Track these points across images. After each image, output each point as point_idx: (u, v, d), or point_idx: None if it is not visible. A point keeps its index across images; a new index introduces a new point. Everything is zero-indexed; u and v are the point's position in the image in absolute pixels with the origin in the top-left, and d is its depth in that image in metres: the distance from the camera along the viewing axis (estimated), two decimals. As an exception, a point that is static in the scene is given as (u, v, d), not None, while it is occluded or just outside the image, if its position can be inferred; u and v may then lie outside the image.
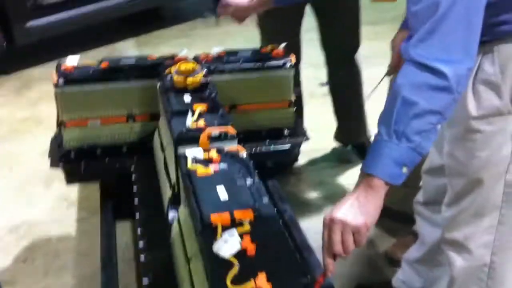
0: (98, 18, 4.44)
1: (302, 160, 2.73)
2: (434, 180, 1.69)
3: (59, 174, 2.22)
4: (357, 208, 1.13)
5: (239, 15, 2.60)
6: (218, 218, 1.30)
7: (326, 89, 3.23)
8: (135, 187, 2.06)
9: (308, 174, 2.90)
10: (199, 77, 1.96)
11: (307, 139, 2.28)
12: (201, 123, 1.73)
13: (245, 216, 1.31)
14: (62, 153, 2.17)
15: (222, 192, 1.41)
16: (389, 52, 1.95)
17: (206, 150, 1.60)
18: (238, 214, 1.31)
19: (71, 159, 2.16)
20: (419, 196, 1.83)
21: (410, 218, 1.98)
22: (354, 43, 2.73)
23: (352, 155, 2.98)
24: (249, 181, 1.46)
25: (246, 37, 4.42)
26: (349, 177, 2.84)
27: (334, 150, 3.04)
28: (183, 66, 1.99)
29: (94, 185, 2.35)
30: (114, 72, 2.15)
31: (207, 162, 1.55)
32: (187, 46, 4.31)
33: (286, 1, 1.94)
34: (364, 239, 1.12)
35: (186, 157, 1.57)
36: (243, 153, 1.60)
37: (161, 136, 2.06)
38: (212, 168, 1.51)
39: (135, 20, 4.79)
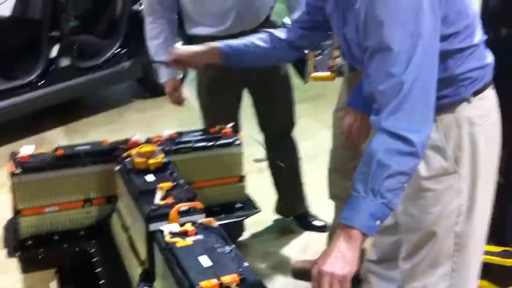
0: (24, 109, 4.46)
1: (246, 233, 2.85)
2: (387, 238, 1.85)
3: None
4: (341, 259, 1.27)
5: (176, 97, 2.77)
6: (207, 284, 1.40)
7: (261, 164, 3.43)
8: (99, 270, 2.09)
9: (253, 246, 3.01)
10: (160, 158, 2.07)
11: (259, 211, 2.42)
12: (170, 200, 1.83)
13: (232, 280, 1.42)
14: (19, 241, 2.17)
15: (204, 260, 1.51)
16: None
17: (180, 224, 1.70)
18: (225, 279, 1.41)
19: (28, 247, 2.17)
20: (372, 255, 1.99)
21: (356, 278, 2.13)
22: (289, 122, 2.94)
23: (294, 226, 3.12)
24: (227, 248, 1.57)
25: (175, 120, 4.58)
26: (293, 247, 2.98)
27: (276, 222, 3.18)
28: (144, 149, 2.10)
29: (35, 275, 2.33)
30: (70, 159, 2.22)
31: (183, 234, 1.65)
32: (117, 132, 4.44)
33: (234, 62, 2.05)
34: (349, 286, 1.26)
35: (162, 232, 1.66)
36: (216, 224, 1.71)
37: (122, 217, 2.13)
38: (190, 240, 1.61)
39: (62, 108, 4.83)
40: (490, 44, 2.14)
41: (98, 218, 2.25)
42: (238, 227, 2.38)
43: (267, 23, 2.69)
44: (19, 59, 4.66)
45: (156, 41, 2.71)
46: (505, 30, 2.21)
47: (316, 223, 3.09)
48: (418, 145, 1.30)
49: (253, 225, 3.00)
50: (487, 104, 1.60)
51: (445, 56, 1.47)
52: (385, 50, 1.33)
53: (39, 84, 4.51)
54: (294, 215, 3.13)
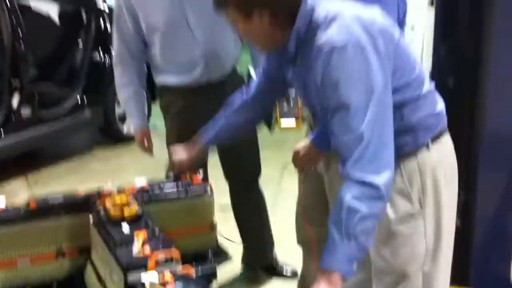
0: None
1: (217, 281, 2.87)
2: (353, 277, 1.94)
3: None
4: None
5: (146, 146, 2.86)
6: (191, 332, 1.44)
7: (228, 213, 3.47)
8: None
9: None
10: (135, 208, 2.12)
11: (229, 258, 2.47)
12: (147, 249, 1.87)
13: (214, 328, 1.47)
14: (-11, 296, 2.16)
15: (187, 309, 1.56)
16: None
17: (159, 273, 1.75)
18: (208, 327, 1.46)
19: (0, 302, 2.16)
20: None
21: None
22: (255, 171, 3.00)
23: (261, 275, 3.14)
24: (207, 297, 1.63)
25: (137, 169, 4.61)
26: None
27: (245, 270, 3.19)
28: (118, 199, 2.14)
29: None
30: (44, 210, 2.23)
31: (163, 284, 1.69)
32: (80, 182, 4.43)
33: (212, 139, 2.19)
34: None
35: (142, 283, 1.70)
36: (193, 273, 1.77)
37: (96, 269, 2.15)
38: (170, 289, 1.66)
39: (23, 159, 4.79)
40: (440, 93, 2.34)
41: (71, 270, 2.26)
42: (210, 276, 2.42)
43: (234, 73, 2.81)
44: (-23, 109, 4.64)
45: (125, 89, 2.79)
46: (452, 80, 2.39)
47: (285, 272, 3.11)
48: (383, 188, 1.44)
49: (223, 273, 3.05)
50: (445, 149, 1.74)
51: (400, 106, 1.61)
52: (343, 108, 1.47)
53: (0, 134, 4.48)
54: (260, 265, 3.15)
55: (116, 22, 2.71)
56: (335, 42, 1.48)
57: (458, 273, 2.31)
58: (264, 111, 2.12)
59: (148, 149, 2.90)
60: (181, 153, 2.27)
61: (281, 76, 1.83)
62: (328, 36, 1.50)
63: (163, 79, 2.79)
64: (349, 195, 1.43)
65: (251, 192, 3.03)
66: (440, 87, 2.37)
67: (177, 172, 2.34)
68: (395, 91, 1.56)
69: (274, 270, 3.13)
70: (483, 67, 2.28)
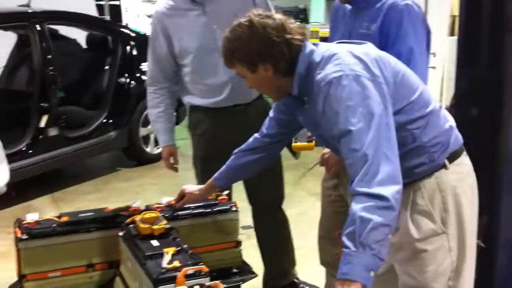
0: (13, 177, 4.49)
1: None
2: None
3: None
4: None
5: (170, 163, 2.92)
6: None
7: (249, 231, 3.52)
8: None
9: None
10: (163, 224, 2.18)
11: (255, 275, 2.51)
12: (176, 263, 1.93)
13: None
14: (22, 307, 2.23)
15: (216, 321, 1.61)
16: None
17: (188, 287, 1.80)
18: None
19: (32, 312, 2.22)
20: None
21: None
22: (279, 195, 3.05)
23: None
24: (236, 309, 1.68)
25: (159, 189, 4.70)
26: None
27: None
28: (148, 215, 2.21)
29: None
30: (75, 225, 2.31)
31: (193, 297, 1.75)
32: (103, 200, 4.52)
33: (225, 182, 2.27)
34: None
35: (173, 294, 1.76)
36: (222, 287, 1.82)
37: (125, 281, 2.21)
38: (199, 301, 1.71)
39: (49, 177, 4.90)
40: (463, 120, 2.38)
41: (100, 283, 2.33)
42: (236, 293, 2.48)
43: (259, 98, 2.88)
44: (7, 129, 4.76)
45: (156, 109, 2.89)
46: (475, 110, 2.44)
47: None
48: (391, 199, 1.49)
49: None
50: (463, 169, 1.80)
51: (409, 127, 1.70)
52: (346, 133, 1.57)
53: (28, 153, 4.60)
54: (282, 286, 3.15)
55: (151, 43, 2.83)
56: (331, 75, 1.60)
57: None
58: (276, 153, 2.23)
59: (173, 167, 2.97)
60: (192, 186, 2.36)
61: (292, 121, 1.97)
62: (325, 72, 1.62)
63: (191, 99, 2.89)
64: (360, 207, 1.49)
65: (274, 217, 3.07)
66: (464, 115, 2.45)
67: (180, 202, 2.37)
68: (399, 112, 1.66)
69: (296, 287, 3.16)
70: (506, 95, 2.34)
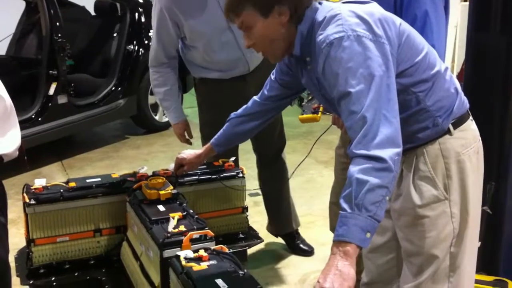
0: (23, 145, 4.52)
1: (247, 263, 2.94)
2: (376, 259, 1.97)
3: None
4: (339, 276, 1.40)
5: (184, 138, 2.95)
6: (225, 304, 1.51)
7: (256, 198, 3.55)
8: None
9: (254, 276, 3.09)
10: (170, 189, 2.19)
11: (261, 241, 2.53)
12: (182, 228, 1.94)
13: (249, 301, 1.53)
14: (31, 270, 2.26)
15: (221, 283, 1.62)
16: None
17: (193, 251, 1.81)
18: (242, 299, 1.53)
19: (40, 276, 2.25)
20: (364, 278, 2.10)
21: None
22: (281, 144, 3.13)
23: (293, 258, 3.21)
24: (240, 272, 1.69)
25: (168, 156, 4.71)
26: (293, 278, 3.03)
27: (275, 252, 3.26)
28: (154, 181, 2.22)
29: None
30: (82, 190, 2.32)
31: (198, 260, 1.76)
32: (113, 167, 4.55)
33: (224, 147, 2.26)
34: None
35: (178, 257, 1.77)
36: (227, 251, 1.83)
37: (132, 246, 2.23)
38: (205, 264, 1.72)
39: (58, 144, 4.93)
40: (475, 83, 2.35)
41: (107, 248, 2.35)
42: (241, 257, 2.48)
43: (266, 62, 2.86)
44: (16, 96, 4.76)
45: (162, 88, 2.89)
46: (479, 70, 2.40)
47: (303, 246, 3.24)
48: (389, 160, 1.46)
49: (254, 255, 3.12)
50: (468, 134, 1.76)
51: (413, 89, 1.65)
52: (345, 95, 1.53)
53: (37, 120, 4.62)
54: (282, 233, 3.25)
55: (157, 29, 2.78)
56: (332, 36, 1.55)
57: (487, 260, 2.34)
58: (274, 115, 2.18)
59: (188, 140, 3.00)
60: (188, 152, 2.34)
61: (295, 83, 1.93)
62: (326, 33, 1.57)
63: (202, 74, 2.88)
64: (356, 169, 1.46)
65: (276, 162, 3.14)
66: (474, 77, 2.42)
67: (179, 169, 2.36)
68: (403, 74, 1.62)
69: (293, 242, 3.25)
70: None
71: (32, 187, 2.31)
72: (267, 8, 1.63)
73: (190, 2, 2.69)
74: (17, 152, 1.71)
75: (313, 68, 1.71)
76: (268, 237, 3.19)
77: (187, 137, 2.98)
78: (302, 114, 2.41)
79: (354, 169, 1.47)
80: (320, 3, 1.68)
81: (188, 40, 2.79)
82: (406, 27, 1.68)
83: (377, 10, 1.65)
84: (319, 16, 1.64)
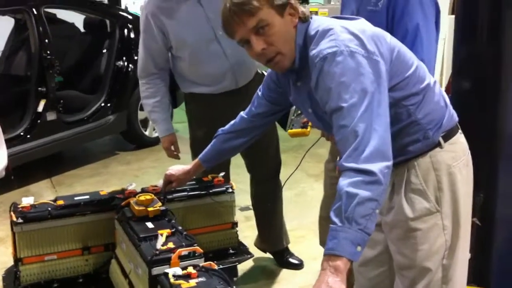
0: (12, 162, 4.49)
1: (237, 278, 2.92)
2: (368, 272, 1.96)
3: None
4: None
5: (172, 152, 2.93)
6: (214, 323, 1.49)
7: (247, 213, 3.53)
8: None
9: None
10: (158, 206, 2.18)
11: (251, 256, 2.52)
12: (171, 245, 1.93)
13: (237, 318, 1.51)
14: (19, 289, 2.23)
15: (210, 301, 1.61)
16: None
17: (182, 268, 1.80)
18: (230, 318, 1.51)
19: (28, 295, 2.23)
20: None
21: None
22: (276, 165, 3.10)
23: (283, 272, 3.19)
24: (230, 289, 1.68)
25: (158, 172, 4.68)
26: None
27: (265, 268, 3.24)
28: (143, 198, 2.20)
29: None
30: (70, 208, 2.30)
31: (187, 277, 1.74)
32: (102, 184, 4.52)
33: (212, 163, 2.26)
34: None
35: (167, 275, 1.75)
36: (216, 267, 1.82)
37: (121, 264, 2.21)
38: (193, 282, 1.71)
39: (47, 161, 4.89)
40: (461, 95, 2.36)
41: (96, 266, 2.33)
42: (231, 273, 2.48)
43: (257, 76, 2.87)
44: (5, 113, 4.75)
45: (152, 100, 2.87)
46: (467, 83, 2.42)
47: (292, 260, 3.22)
48: (378, 173, 1.46)
49: (244, 270, 3.10)
50: (458, 147, 1.78)
51: (404, 103, 1.67)
52: (337, 109, 1.54)
53: (26, 137, 4.59)
54: (271, 251, 3.24)
55: (144, 36, 2.78)
56: (325, 51, 1.56)
57: (477, 272, 2.33)
58: (262, 131, 2.17)
59: (175, 155, 2.98)
60: (177, 168, 2.32)
61: (283, 99, 1.93)
62: (320, 47, 1.58)
63: (190, 89, 2.88)
64: (346, 182, 1.46)
65: (270, 183, 3.12)
66: (461, 89, 2.43)
67: (168, 185, 2.33)
68: (394, 88, 1.63)
69: (282, 258, 3.23)
70: (503, 69, 2.31)
71: (19, 206, 2.29)
72: (282, 6, 1.63)
73: (174, 9, 2.69)
74: (4, 172, 1.70)
75: (303, 84, 1.71)
76: (257, 252, 3.18)
77: (174, 151, 2.95)
78: (291, 129, 2.41)
79: (344, 183, 1.47)
80: (311, 18, 1.68)
81: (174, 50, 2.78)
82: (396, 42, 1.69)
83: (367, 27, 1.67)
84: (311, 30, 1.65)
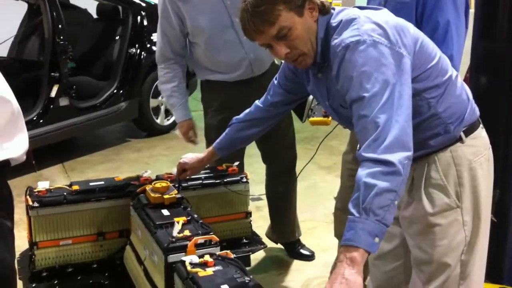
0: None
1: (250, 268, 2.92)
2: (383, 266, 1.96)
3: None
4: (346, 284, 1.38)
5: (189, 137, 2.93)
6: (231, 311, 1.50)
7: (259, 202, 3.54)
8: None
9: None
10: (174, 194, 2.18)
11: (265, 246, 2.52)
12: (187, 232, 1.93)
13: (254, 307, 1.52)
14: (34, 273, 2.24)
15: (227, 289, 1.61)
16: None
17: (199, 255, 1.80)
18: (247, 306, 1.52)
19: (43, 279, 2.24)
20: (369, 285, 2.08)
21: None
22: (292, 158, 3.09)
23: (296, 262, 3.20)
24: (246, 278, 1.68)
25: (170, 160, 4.71)
26: (296, 283, 3.02)
27: (278, 258, 3.25)
28: (159, 185, 2.21)
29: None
30: (86, 194, 2.31)
31: (203, 265, 1.75)
32: (114, 170, 4.53)
33: (227, 151, 2.26)
34: None
35: (183, 263, 1.76)
36: (232, 256, 1.82)
37: (136, 251, 2.22)
38: (210, 270, 1.71)
39: (60, 147, 4.91)
40: (478, 90, 2.34)
41: (110, 252, 2.34)
42: (244, 262, 2.48)
43: (273, 67, 2.86)
44: (18, 98, 4.73)
45: (170, 84, 2.86)
46: (490, 79, 2.40)
47: (303, 251, 3.22)
48: (398, 164, 1.45)
49: (256, 260, 3.11)
50: (479, 142, 1.76)
51: (425, 95, 1.66)
52: (358, 99, 1.52)
53: (39, 122, 4.61)
54: (283, 242, 3.24)
55: (161, 22, 2.78)
56: (348, 40, 1.55)
57: (492, 269, 2.32)
58: (277, 121, 2.17)
59: (193, 140, 2.97)
60: (190, 156, 2.32)
61: (300, 89, 1.92)
62: (342, 37, 1.57)
63: (206, 76, 2.88)
64: (364, 173, 1.45)
65: (285, 176, 3.11)
66: (478, 84, 2.42)
67: (182, 174, 2.33)
68: (416, 79, 1.62)
69: (294, 249, 3.24)
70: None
71: (35, 190, 2.30)
72: (300, 5, 1.61)
73: None
74: (25, 156, 1.70)
75: (324, 76, 1.70)
76: (269, 242, 3.18)
77: (192, 138, 2.94)
78: (312, 117, 2.40)
79: (362, 173, 1.46)
80: (333, 9, 1.68)
81: (190, 36, 2.78)
82: (419, 33, 1.68)
83: (391, 17, 1.65)
84: (334, 21, 1.64)
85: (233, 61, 2.77)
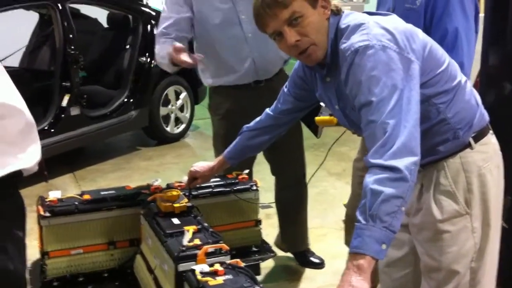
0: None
1: (260, 277, 2.92)
2: (393, 273, 1.96)
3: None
4: None
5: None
6: (241, 321, 1.49)
7: (268, 210, 3.53)
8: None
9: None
10: (184, 202, 2.19)
11: (274, 254, 2.52)
12: (197, 241, 1.94)
13: (264, 316, 1.52)
14: (45, 282, 2.25)
15: (237, 298, 1.61)
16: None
17: (208, 265, 1.81)
18: (257, 316, 1.51)
19: (54, 288, 2.25)
20: None
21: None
22: (300, 169, 3.08)
23: (306, 270, 3.20)
24: (256, 287, 1.68)
25: (180, 168, 4.72)
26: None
27: (288, 266, 3.25)
28: (169, 194, 2.22)
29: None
30: (97, 203, 2.33)
31: (213, 274, 1.75)
32: (124, 179, 4.55)
33: (237, 160, 2.26)
34: None
35: (193, 272, 1.76)
36: (242, 265, 1.82)
37: (146, 259, 2.23)
38: (221, 279, 1.71)
39: (70, 156, 4.94)
40: (494, 100, 2.33)
41: (121, 260, 2.35)
42: (254, 271, 2.47)
43: (281, 74, 2.87)
44: (29, 108, 4.76)
45: (164, 46, 2.67)
46: (509, 86, 2.38)
47: (313, 259, 3.22)
48: (404, 170, 1.44)
49: (266, 269, 3.11)
50: (489, 148, 1.76)
51: (434, 100, 1.66)
52: (367, 104, 1.53)
53: (50, 132, 4.64)
54: (293, 251, 3.24)
55: (169, 6, 2.73)
56: (357, 44, 1.56)
57: (503, 276, 2.30)
58: (287, 128, 2.18)
59: (191, 59, 2.49)
60: (201, 165, 2.33)
61: (309, 96, 1.93)
62: (351, 41, 1.58)
63: (209, 80, 2.88)
64: (371, 179, 1.45)
65: (295, 188, 3.10)
66: (490, 91, 2.40)
67: (193, 182, 2.34)
68: (425, 85, 1.62)
69: (304, 257, 3.23)
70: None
71: (46, 199, 2.32)
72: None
73: None
74: (37, 167, 1.71)
75: (332, 79, 1.70)
76: (278, 250, 3.18)
77: (185, 57, 2.46)
78: (319, 116, 2.40)
79: (369, 180, 1.46)
80: (342, 12, 1.68)
81: (197, 31, 2.77)
82: (428, 39, 1.68)
83: (400, 23, 1.65)
84: (342, 25, 1.65)
85: (234, 60, 2.76)
